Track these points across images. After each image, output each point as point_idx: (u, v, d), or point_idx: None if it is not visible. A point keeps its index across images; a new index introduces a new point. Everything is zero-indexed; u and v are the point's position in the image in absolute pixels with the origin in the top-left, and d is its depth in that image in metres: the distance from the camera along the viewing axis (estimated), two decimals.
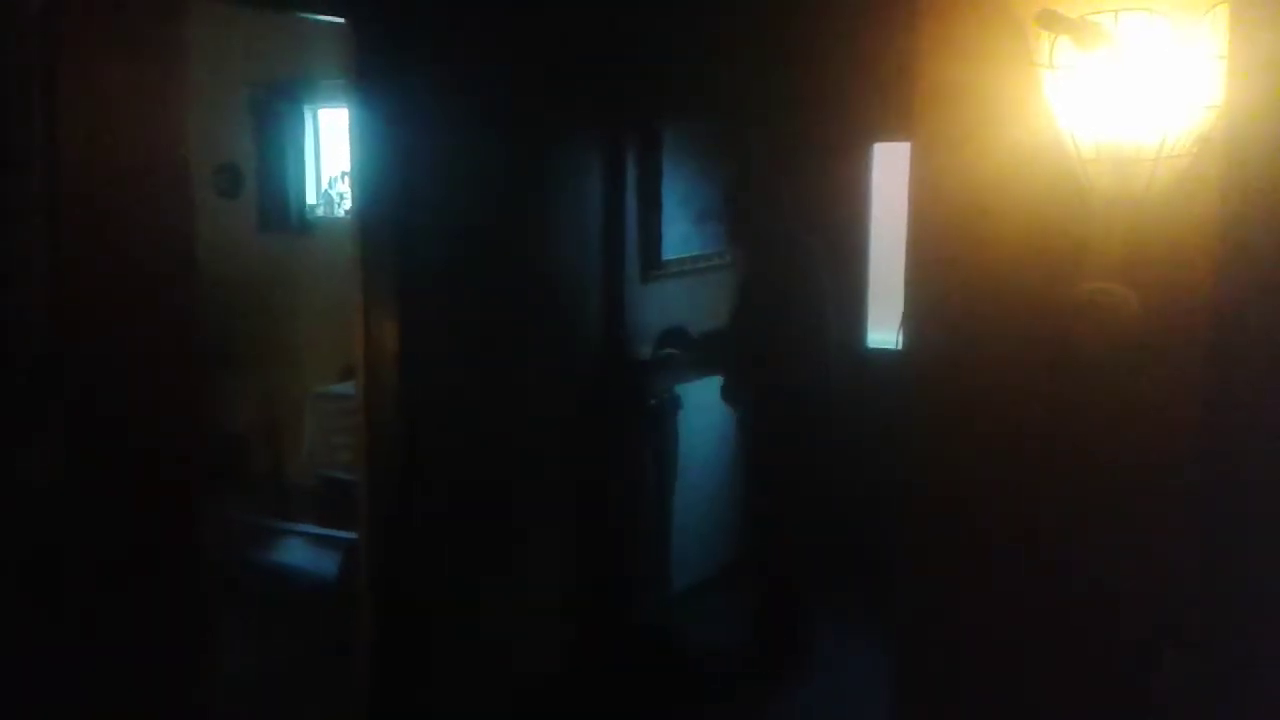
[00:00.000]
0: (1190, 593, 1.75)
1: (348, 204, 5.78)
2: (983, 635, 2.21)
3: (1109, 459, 2.04)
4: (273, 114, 6.20)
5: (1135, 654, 2.03)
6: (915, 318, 2.25)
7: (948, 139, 2.14)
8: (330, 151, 6.37)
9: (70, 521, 2.04)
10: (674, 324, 4.53)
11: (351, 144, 3.26)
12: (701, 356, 4.54)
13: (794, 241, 4.30)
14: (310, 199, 6.38)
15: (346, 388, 4.94)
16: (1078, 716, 2.13)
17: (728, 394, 4.41)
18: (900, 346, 2.37)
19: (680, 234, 4.64)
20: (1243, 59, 1.54)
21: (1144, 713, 2.01)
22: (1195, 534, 1.73)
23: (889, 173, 5.09)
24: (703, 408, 4.70)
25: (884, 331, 5.10)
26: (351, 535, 3.89)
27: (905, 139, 2.31)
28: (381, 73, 3.15)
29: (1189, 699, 1.75)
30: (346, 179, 6.04)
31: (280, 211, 6.28)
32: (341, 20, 3.15)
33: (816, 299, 4.26)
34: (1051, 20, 1.90)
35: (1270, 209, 1.44)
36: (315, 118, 6.36)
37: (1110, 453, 2.03)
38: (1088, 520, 2.08)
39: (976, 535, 2.19)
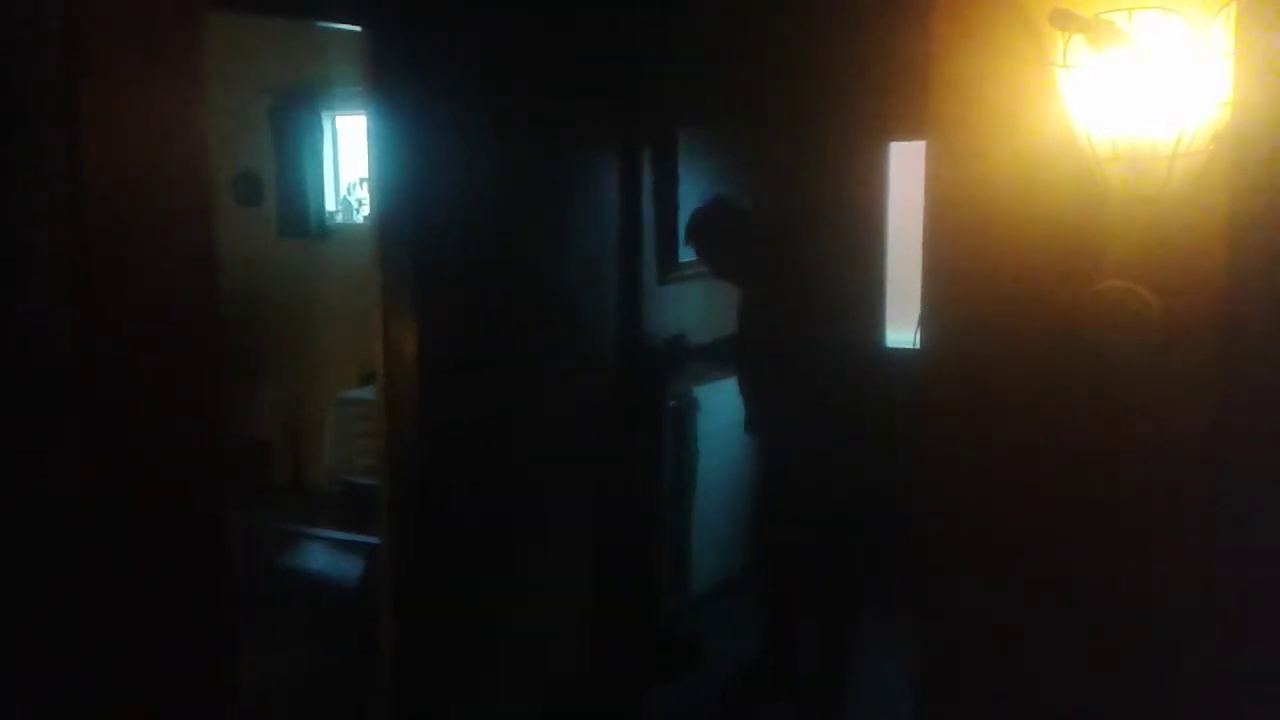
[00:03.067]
0: (1208, 590, 1.74)
1: (366, 210, 5.82)
2: (1002, 634, 2.21)
3: (1126, 457, 2.03)
4: (291, 122, 6.25)
5: (1151, 652, 2.03)
6: (931, 317, 2.25)
7: (962, 138, 2.14)
8: (348, 158, 6.42)
9: (91, 528, 2.06)
10: (674, 333, 4.49)
11: (369, 150, 3.29)
12: (704, 363, 4.50)
13: (795, 255, 4.18)
14: (329, 205, 6.42)
15: (367, 393, 4.96)
16: (1098, 715, 2.13)
17: (751, 424, 4.23)
18: (917, 346, 2.37)
19: None
20: (1248, 59, 1.55)
21: (1163, 711, 2.01)
22: (1213, 532, 1.73)
23: (906, 172, 5.08)
24: (720, 411, 4.70)
25: (903, 331, 5.09)
26: (373, 540, 3.91)
27: (921, 138, 2.31)
28: (398, 79, 3.17)
29: (1206, 696, 1.74)
30: (365, 185, 6.08)
31: (300, 218, 6.33)
32: (358, 28, 3.18)
33: (827, 311, 4.08)
34: (1065, 19, 1.89)
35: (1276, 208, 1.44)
36: (333, 125, 6.41)
37: (1128, 451, 2.03)
38: (1107, 519, 2.07)
39: (994, 535, 2.19)
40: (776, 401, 4.08)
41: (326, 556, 4.79)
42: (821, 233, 4.98)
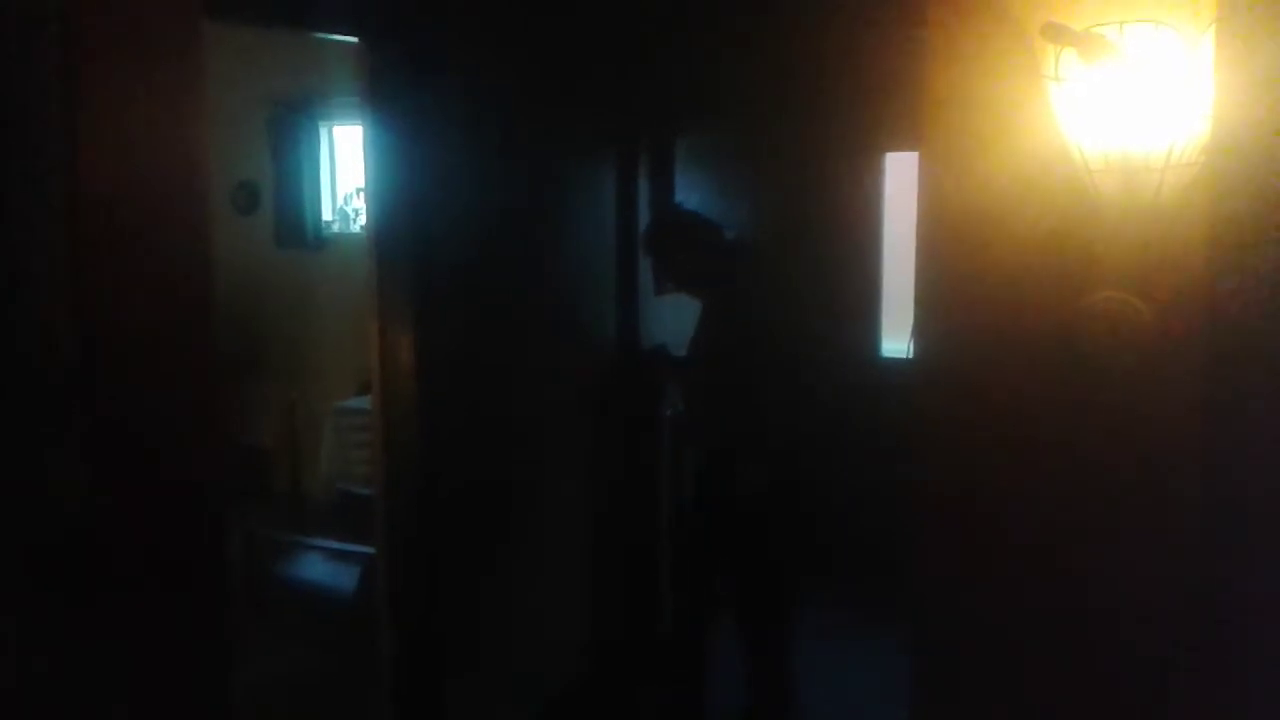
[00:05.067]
0: (1204, 595, 1.75)
1: (363, 219, 5.83)
2: (996, 643, 2.22)
3: (1119, 466, 2.05)
4: (289, 131, 6.26)
5: (1146, 659, 2.04)
6: (924, 327, 2.27)
7: (955, 150, 2.15)
8: (346, 168, 6.43)
9: (88, 535, 2.07)
10: (656, 344, 4.46)
11: (366, 160, 3.30)
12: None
13: (750, 267, 4.02)
14: (326, 215, 6.43)
15: (364, 402, 4.97)
16: (1095, 718, 2.14)
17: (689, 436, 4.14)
18: (911, 355, 2.39)
19: None
20: (1229, 72, 1.56)
21: (1160, 715, 2.02)
22: (1206, 539, 1.74)
23: (902, 182, 5.10)
24: None
25: (899, 340, 5.10)
26: (370, 549, 3.91)
27: (916, 149, 2.32)
28: (395, 90, 3.19)
29: (1204, 699, 1.75)
30: (362, 195, 6.09)
31: (297, 227, 6.33)
32: (356, 39, 3.19)
33: (789, 323, 3.88)
34: (1057, 33, 1.91)
35: (1260, 219, 1.46)
36: (331, 135, 6.42)
37: (1120, 460, 2.04)
38: (1101, 525, 2.08)
39: (989, 541, 2.20)
40: (714, 416, 3.95)
41: (323, 566, 4.79)
42: (815, 242, 5.01)
